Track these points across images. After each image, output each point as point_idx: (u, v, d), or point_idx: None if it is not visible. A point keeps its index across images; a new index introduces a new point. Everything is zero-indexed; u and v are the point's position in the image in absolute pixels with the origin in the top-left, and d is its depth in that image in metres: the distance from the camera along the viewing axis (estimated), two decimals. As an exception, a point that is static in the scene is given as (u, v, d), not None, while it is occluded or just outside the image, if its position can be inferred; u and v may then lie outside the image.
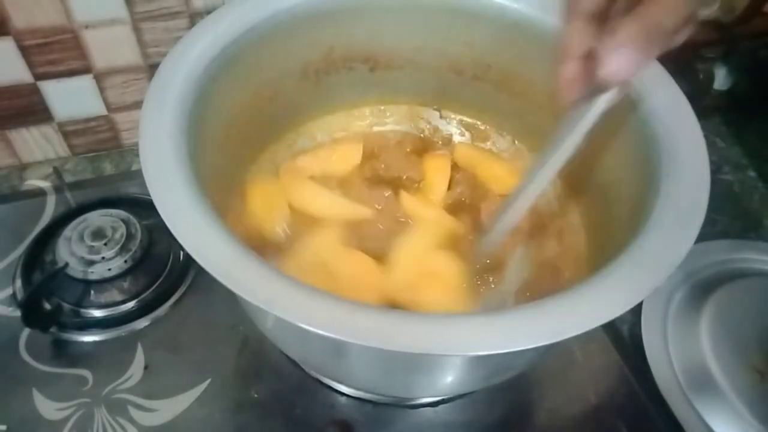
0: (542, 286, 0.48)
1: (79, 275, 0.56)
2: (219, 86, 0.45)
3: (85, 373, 0.53)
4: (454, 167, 0.56)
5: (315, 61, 0.54)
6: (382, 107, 0.60)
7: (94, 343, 0.55)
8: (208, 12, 0.47)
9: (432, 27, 0.53)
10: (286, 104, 0.55)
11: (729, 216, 0.70)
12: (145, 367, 0.53)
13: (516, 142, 0.58)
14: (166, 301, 0.57)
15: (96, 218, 0.59)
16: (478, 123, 0.60)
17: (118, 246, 0.57)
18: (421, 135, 0.60)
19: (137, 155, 0.58)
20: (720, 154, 0.78)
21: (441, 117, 0.60)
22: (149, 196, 0.35)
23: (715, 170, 0.75)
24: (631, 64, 0.30)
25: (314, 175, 0.54)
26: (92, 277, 0.56)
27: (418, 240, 0.48)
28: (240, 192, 0.51)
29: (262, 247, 0.48)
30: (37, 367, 0.53)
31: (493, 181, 0.55)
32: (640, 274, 0.34)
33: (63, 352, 0.54)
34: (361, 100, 0.59)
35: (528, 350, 0.31)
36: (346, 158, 0.55)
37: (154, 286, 0.58)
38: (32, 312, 0.53)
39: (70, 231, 0.58)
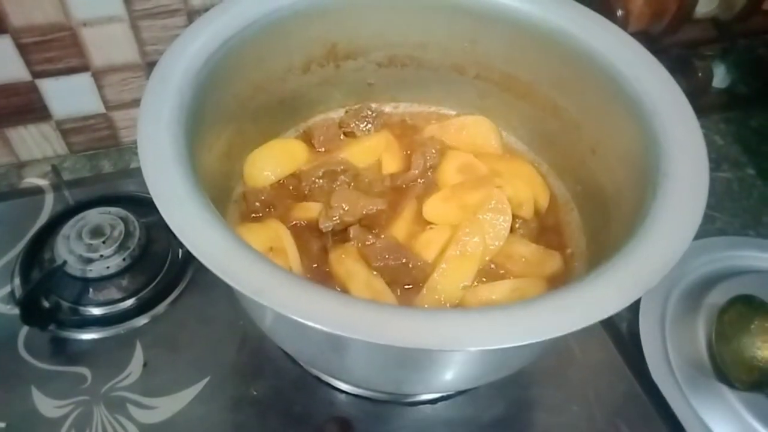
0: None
1: (78, 273, 0.56)
2: (219, 80, 0.45)
3: (84, 370, 0.53)
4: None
5: (317, 57, 0.54)
6: (384, 105, 0.60)
7: (93, 340, 0.55)
8: (206, 10, 0.47)
9: (435, 25, 0.53)
10: (287, 100, 0.55)
11: (728, 213, 0.70)
12: (144, 365, 0.53)
13: (518, 140, 0.58)
14: (165, 299, 0.57)
15: (94, 216, 0.59)
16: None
17: (117, 244, 0.57)
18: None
19: (135, 153, 0.58)
20: (719, 151, 0.78)
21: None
22: (148, 194, 0.35)
23: (714, 168, 0.75)
24: None
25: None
26: (91, 275, 0.56)
27: None
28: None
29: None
30: (36, 365, 0.53)
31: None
32: (637, 272, 0.34)
33: (62, 350, 0.54)
34: (363, 98, 0.59)
35: (523, 347, 0.31)
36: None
37: (153, 284, 0.58)
38: (31, 310, 0.53)
39: (68, 229, 0.58)
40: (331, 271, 0.47)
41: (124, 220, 0.59)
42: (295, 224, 0.50)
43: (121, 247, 0.57)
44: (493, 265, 0.48)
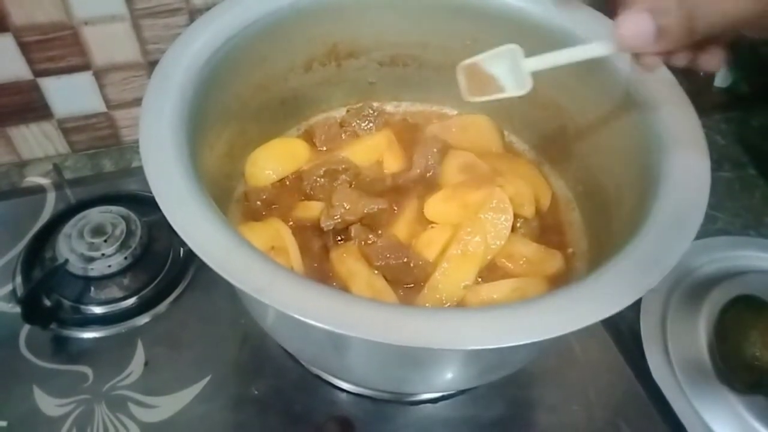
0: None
1: (79, 272, 0.56)
2: (220, 78, 0.45)
3: (86, 369, 0.53)
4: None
5: (319, 56, 0.54)
6: (386, 104, 0.60)
7: (95, 339, 0.55)
8: (208, 9, 0.47)
9: (436, 24, 0.53)
10: (288, 99, 0.55)
11: (729, 213, 0.70)
12: (146, 364, 0.53)
13: (519, 140, 0.58)
14: (166, 298, 0.57)
15: (96, 215, 0.59)
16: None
17: (118, 243, 0.57)
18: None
19: (137, 152, 0.58)
20: (720, 151, 0.78)
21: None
22: (149, 192, 0.35)
23: (716, 167, 0.74)
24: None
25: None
26: (92, 273, 0.56)
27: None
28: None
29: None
30: (38, 364, 0.53)
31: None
32: (637, 272, 0.34)
33: (63, 349, 0.54)
34: (364, 97, 0.59)
35: (524, 346, 0.31)
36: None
37: (154, 283, 0.58)
38: (32, 308, 0.53)
39: (70, 228, 0.58)
40: (332, 270, 0.47)
41: (126, 218, 0.59)
42: (297, 223, 0.50)
43: (123, 245, 0.57)
44: (494, 265, 0.48)
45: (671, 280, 0.60)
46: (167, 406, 0.51)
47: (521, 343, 0.31)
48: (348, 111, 0.58)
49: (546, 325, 0.31)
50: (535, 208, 0.51)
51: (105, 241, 0.57)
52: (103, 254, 0.57)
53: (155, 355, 0.54)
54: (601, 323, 0.32)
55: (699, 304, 0.58)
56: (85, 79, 0.65)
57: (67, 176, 0.67)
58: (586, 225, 0.51)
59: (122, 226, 0.58)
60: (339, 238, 0.49)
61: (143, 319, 0.56)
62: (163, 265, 0.59)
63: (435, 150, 0.53)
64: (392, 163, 0.54)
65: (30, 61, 0.61)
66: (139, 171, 0.36)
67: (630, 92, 0.45)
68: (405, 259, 0.46)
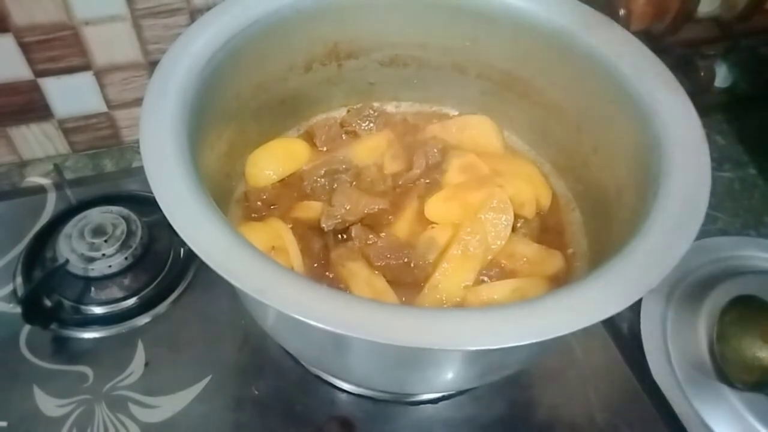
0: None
1: (80, 272, 0.56)
2: (221, 79, 0.45)
3: (86, 369, 0.53)
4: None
5: (319, 56, 0.54)
6: (386, 104, 0.60)
7: (95, 339, 0.55)
8: (208, 9, 0.47)
9: (436, 24, 0.53)
10: (288, 99, 0.55)
11: (729, 213, 0.70)
12: (146, 364, 0.53)
13: (519, 140, 0.58)
14: (167, 298, 0.58)
15: (96, 215, 0.59)
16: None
17: (119, 243, 0.57)
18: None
19: (137, 152, 0.58)
20: (721, 151, 0.78)
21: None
22: (150, 192, 0.35)
23: (716, 167, 0.74)
24: None
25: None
26: (93, 274, 0.56)
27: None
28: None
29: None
30: (38, 364, 0.53)
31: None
32: (638, 272, 0.34)
33: (63, 349, 0.54)
34: (365, 97, 0.59)
35: (524, 347, 0.31)
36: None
37: (155, 283, 0.58)
38: (33, 309, 0.53)
39: (70, 228, 0.58)
40: (332, 271, 0.47)
41: (126, 219, 0.59)
42: (297, 223, 0.50)
43: (123, 246, 0.57)
44: (494, 265, 0.48)
45: (671, 280, 0.60)
46: (168, 406, 0.51)
47: (522, 343, 0.31)
48: (348, 111, 0.58)
49: (546, 325, 0.31)
50: (535, 208, 0.51)
51: (105, 241, 0.57)
52: (103, 254, 0.57)
53: (156, 356, 0.54)
54: (601, 323, 0.32)
55: (699, 304, 0.58)
56: (86, 79, 0.65)
57: (67, 176, 0.67)
58: (586, 225, 0.51)
59: (123, 226, 0.58)
60: (339, 238, 0.49)
61: (143, 320, 0.56)
62: (163, 265, 0.59)
63: (435, 150, 0.53)
64: (392, 164, 0.54)
65: (30, 62, 0.61)
66: (140, 171, 0.36)
67: (630, 92, 0.45)
68: (405, 260, 0.46)
